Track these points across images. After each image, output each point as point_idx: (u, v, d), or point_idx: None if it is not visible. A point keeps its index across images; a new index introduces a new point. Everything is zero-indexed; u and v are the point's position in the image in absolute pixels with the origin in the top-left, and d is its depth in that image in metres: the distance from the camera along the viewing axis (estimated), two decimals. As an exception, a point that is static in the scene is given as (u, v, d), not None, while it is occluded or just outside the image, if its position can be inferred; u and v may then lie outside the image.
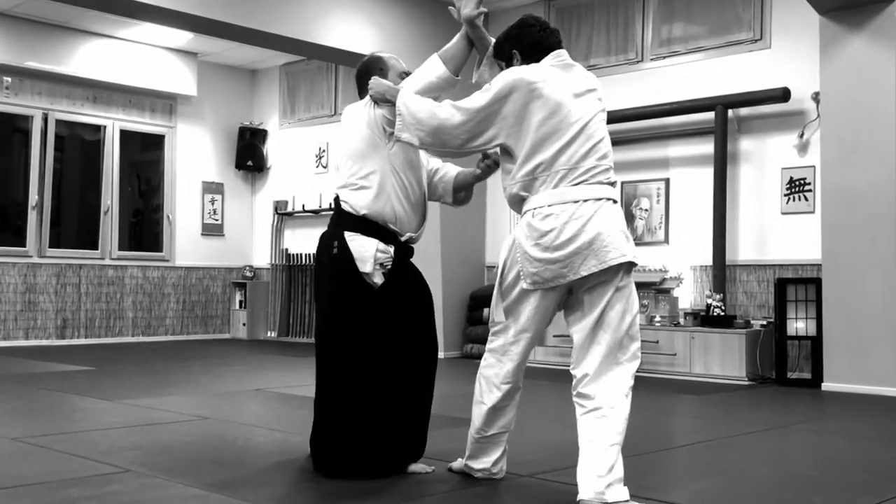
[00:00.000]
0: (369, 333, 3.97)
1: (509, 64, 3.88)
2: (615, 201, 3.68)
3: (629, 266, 3.62)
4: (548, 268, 3.57)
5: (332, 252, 4.01)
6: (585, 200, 3.58)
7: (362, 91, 4.30)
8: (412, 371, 4.06)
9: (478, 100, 3.70)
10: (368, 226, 4.02)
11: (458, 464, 4.07)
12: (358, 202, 4.03)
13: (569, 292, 3.69)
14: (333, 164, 4.40)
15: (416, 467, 4.08)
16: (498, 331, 3.82)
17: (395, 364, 4.00)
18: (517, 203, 3.74)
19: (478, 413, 3.88)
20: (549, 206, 3.59)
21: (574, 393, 3.60)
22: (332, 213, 4.23)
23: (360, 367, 3.95)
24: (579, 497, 3.42)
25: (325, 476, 3.96)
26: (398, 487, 3.85)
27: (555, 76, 3.71)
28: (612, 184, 3.70)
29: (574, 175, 3.60)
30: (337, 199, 4.14)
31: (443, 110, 3.73)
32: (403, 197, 4.11)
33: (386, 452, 3.99)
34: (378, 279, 4.00)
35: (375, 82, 4.08)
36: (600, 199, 3.60)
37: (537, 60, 3.80)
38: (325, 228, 4.18)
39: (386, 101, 3.99)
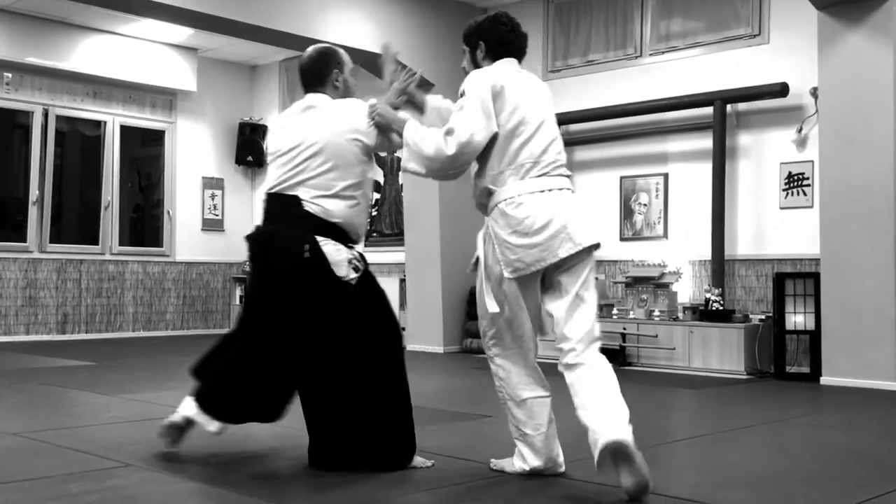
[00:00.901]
0: (351, 331, 4.01)
1: (473, 53, 4.12)
2: (573, 192, 3.96)
3: (594, 249, 3.89)
4: (528, 252, 3.76)
5: (304, 255, 3.97)
6: (550, 190, 3.83)
7: (314, 81, 4.29)
8: (391, 366, 4.11)
9: (463, 131, 3.81)
10: (337, 233, 4.05)
11: (510, 467, 4.03)
12: (335, 209, 4.05)
13: (542, 278, 3.87)
14: (280, 152, 4.24)
15: (415, 461, 4.10)
16: (496, 339, 3.98)
17: (376, 360, 4.05)
18: (485, 197, 3.91)
19: (518, 412, 3.97)
20: (519, 195, 3.82)
21: (565, 364, 3.76)
22: (279, 209, 4.12)
23: (345, 365, 3.99)
24: (606, 439, 3.49)
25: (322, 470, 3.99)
26: (399, 480, 3.88)
27: (512, 77, 3.95)
28: (569, 176, 3.96)
29: (538, 168, 3.87)
30: (296, 199, 4.05)
31: (447, 146, 3.82)
32: (366, 210, 4.23)
33: (382, 451, 4.02)
34: (352, 281, 4.03)
35: (383, 109, 4.13)
36: (562, 189, 3.86)
37: (500, 57, 4.04)
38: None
39: (392, 130, 4.09)
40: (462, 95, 3.89)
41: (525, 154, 3.84)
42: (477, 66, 4.08)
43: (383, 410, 4.03)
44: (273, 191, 4.13)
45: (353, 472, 3.96)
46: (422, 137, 3.89)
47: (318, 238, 3.98)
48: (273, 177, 4.15)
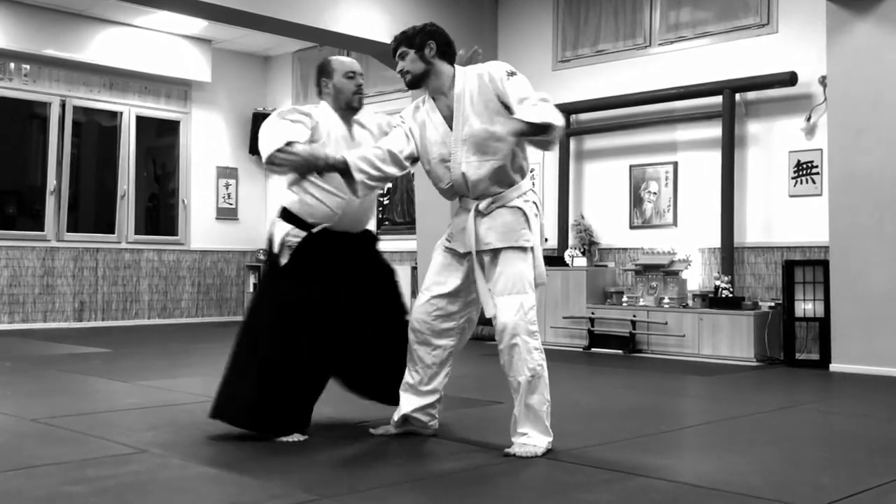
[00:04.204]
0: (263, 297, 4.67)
1: (421, 53, 4.26)
2: None
3: None
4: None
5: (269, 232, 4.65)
6: None
7: (317, 92, 4.73)
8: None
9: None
10: (292, 217, 4.54)
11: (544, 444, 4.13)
12: (286, 200, 4.62)
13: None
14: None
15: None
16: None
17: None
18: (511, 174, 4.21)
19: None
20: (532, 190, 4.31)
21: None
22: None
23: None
24: None
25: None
26: (411, 464, 3.95)
27: None
28: None
29: None
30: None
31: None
32: (311, 203, 4.55)
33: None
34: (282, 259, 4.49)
35: (285, 154, 4.29)
36: None
37: (449, 58, 4.29)
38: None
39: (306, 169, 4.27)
40: (513, 74, 4.15)
41: None
42: (428, 63, 4.26)
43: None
44: None
45: (364, 456, 4.04)
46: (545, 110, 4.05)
47: (276, 220, 4.52)
48: None
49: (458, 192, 4.27)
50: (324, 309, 4.42)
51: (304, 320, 4.38)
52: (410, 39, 4.30)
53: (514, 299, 4.05)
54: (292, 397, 4.40)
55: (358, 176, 4.11)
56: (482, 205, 4.17)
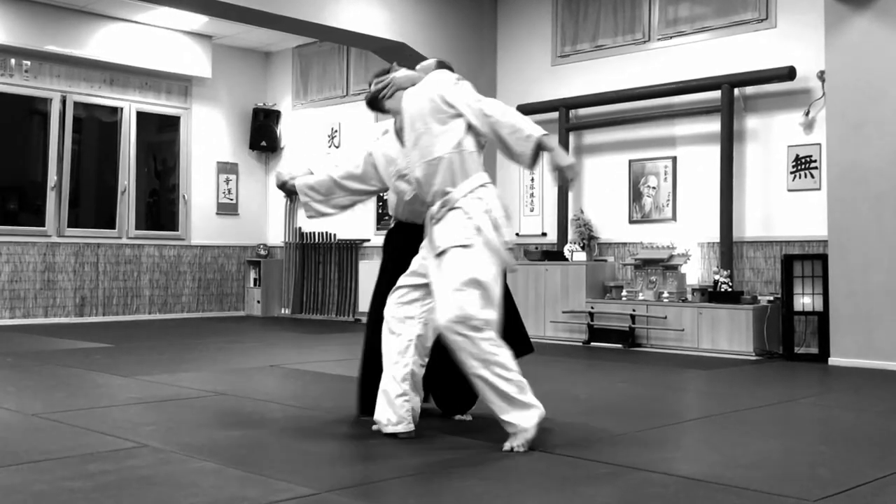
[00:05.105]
0: None
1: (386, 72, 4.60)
2: None
3: None
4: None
5: None
6: None
7: None
8: None
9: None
10: None
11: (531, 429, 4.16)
12: None
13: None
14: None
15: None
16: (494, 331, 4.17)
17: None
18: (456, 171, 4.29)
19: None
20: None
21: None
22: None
23: None
24: None
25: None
26: (410, 461, 3.96)
27: None
28: None
29: None
30: None
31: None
32: (393, 203, 4.90)
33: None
34: None
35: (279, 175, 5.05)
36: None
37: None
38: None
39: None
40: (460, 79, 4.36)
41: None
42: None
43: None
44: None
45: (365, 451, 4.06)
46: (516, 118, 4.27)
47: None
48: None
49: (421, 199, 4.39)
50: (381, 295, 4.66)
51: (376, 306, 4.70)
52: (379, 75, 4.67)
53: (451, 298, 4.07)
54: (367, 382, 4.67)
55: (303, 199, 4.79)
56: (434, 209, 4.28)
